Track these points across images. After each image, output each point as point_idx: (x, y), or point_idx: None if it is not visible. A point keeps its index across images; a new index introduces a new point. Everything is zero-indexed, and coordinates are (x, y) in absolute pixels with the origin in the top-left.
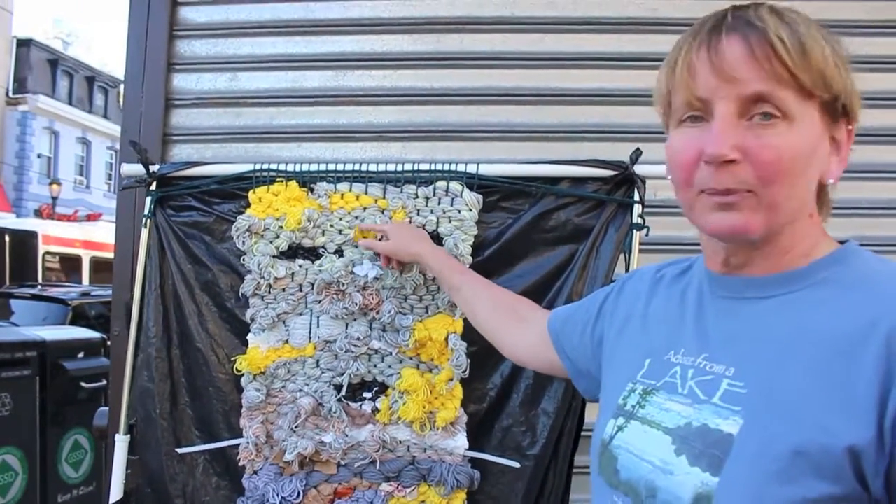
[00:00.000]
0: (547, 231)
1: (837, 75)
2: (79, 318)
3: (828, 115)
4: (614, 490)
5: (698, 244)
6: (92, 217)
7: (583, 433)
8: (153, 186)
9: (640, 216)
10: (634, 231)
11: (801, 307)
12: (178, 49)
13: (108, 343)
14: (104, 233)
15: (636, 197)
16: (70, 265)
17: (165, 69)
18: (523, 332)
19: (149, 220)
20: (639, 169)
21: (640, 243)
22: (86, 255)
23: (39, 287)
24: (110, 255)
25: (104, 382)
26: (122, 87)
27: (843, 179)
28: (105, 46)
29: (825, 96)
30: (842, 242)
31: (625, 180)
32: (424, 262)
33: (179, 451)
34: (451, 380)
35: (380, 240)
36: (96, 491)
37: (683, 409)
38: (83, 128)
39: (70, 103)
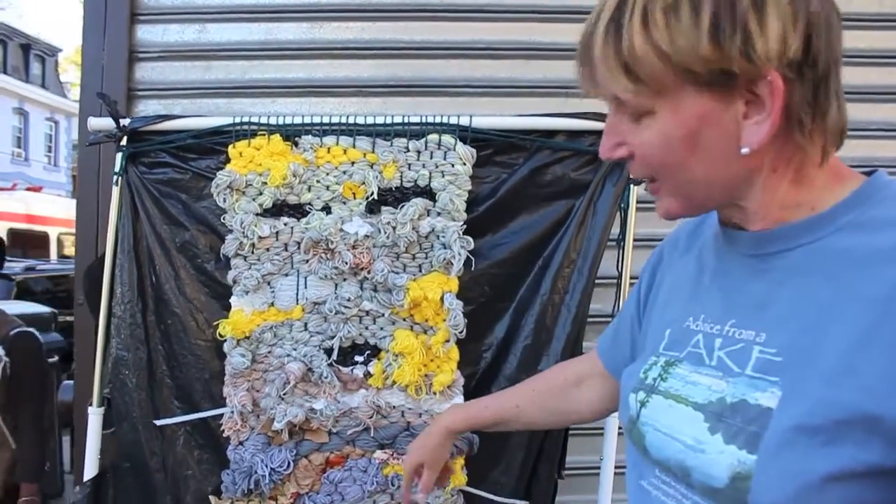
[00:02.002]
0: (543, 186)
1: (712, 51)
2: (24, 293)
3: (715, 88)
4: (655, 465)
5: None
6: (32, 190)
7: None
8: (124, 142)
9: None
10: (632, 186)
11: (834, 259)
12: None
13: (59, 318)
14: (19, 204)
15: None
16: None
17: (128, 20)
18: (590, 390)
19: (120, 178)
20: None
21: (639, 200)
22: (2, 227)
23: None
24: (31, 226)
25: (56, 359)
26: (59, 55)
27: (858, 101)
28: (38, 14)
29: (688, 77)
30: (869, 174)
31: None
32: (469, 427)
33: (158, 423)
34: (448, 341)
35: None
36: (51, 472)
37: (714, 383)
38: (20, 98)
39: (5, 72)
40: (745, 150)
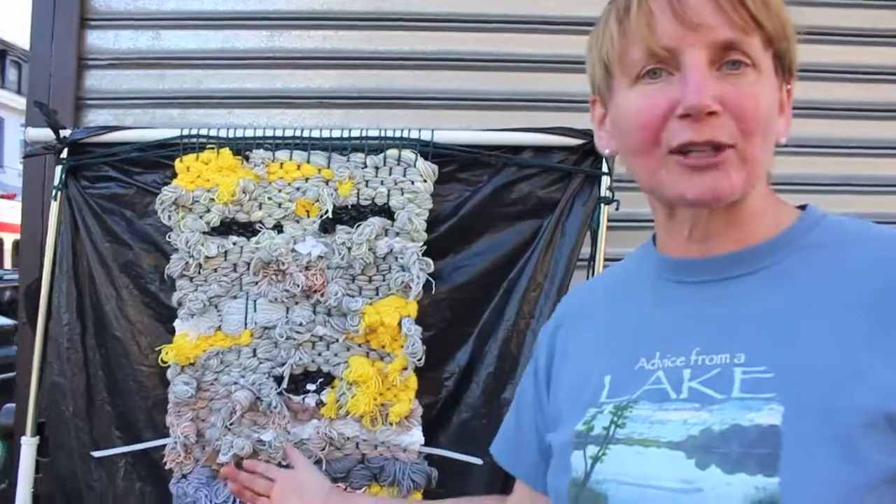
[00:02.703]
0: (508, 205)
1: (789, 24)
2: None
3: (778, 70)
4: None
5: None
6: (6, 197)
7: None
8: (64, 154)
9: (609, 189)
10: (602, 205)
11: (801, 274)
12: (92, 3)
13: None
14: None
15: (604, 168)
16: None
17: (78, 25)
18: None
19: (59, 193)
20: None
21: (609, 219)
22: None
23: None
24: None
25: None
26: None
27: (796, 154)
28: (14, 20)
29: (782, 46)
30: (801, 207)
31: (592, 150)
32: None
33: (97, 454)
34: (406, 369)
35: None
36: (8, 490)
37: (690, 416)
38: None
39: None
40: (783, 140)
